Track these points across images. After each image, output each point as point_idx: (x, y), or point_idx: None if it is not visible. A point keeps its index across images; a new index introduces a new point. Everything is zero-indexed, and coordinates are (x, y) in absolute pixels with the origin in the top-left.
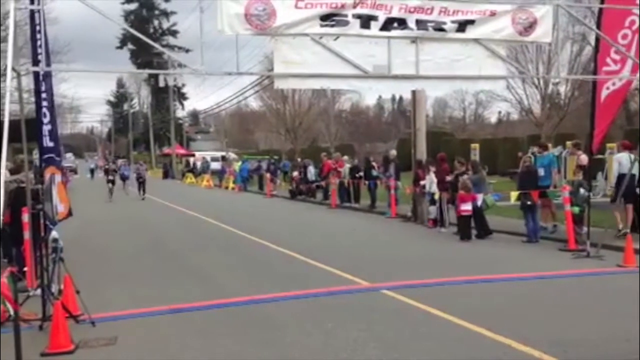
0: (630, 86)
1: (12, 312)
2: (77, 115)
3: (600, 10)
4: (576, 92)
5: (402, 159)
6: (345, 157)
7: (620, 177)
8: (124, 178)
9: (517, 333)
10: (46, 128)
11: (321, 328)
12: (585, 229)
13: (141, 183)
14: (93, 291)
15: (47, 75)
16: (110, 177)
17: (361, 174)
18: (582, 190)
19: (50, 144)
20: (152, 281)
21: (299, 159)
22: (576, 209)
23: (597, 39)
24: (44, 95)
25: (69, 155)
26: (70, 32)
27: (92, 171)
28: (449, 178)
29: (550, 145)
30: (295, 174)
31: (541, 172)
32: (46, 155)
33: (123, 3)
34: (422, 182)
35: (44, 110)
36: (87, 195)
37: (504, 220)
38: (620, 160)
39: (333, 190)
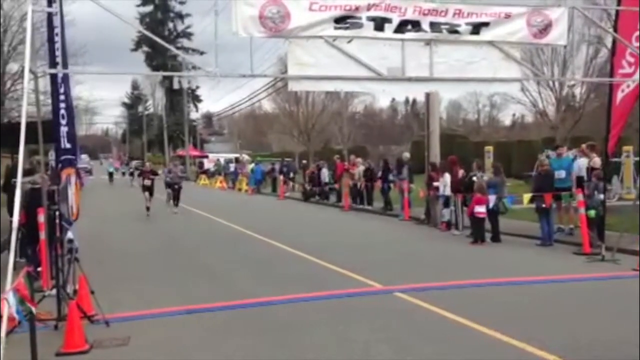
0: None
1: (30, 311)
2: (92, 117)
3: (617, 12)
4: (592, 95)
5: (415, 161)
6: (359, 160)
7: (579, 179)
8: (170, 185)
9: (530, 336)
10: (64, 129)
11: (334, 330)
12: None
13: (176, 191)
14: (107, 291)
15: (66, 77)
16: (147, 183)
17: (374, 173)
18: (596, 193)
19: (68, 146)
20: (165, 282)
21: (304, 161)
22: (592, 213)
23: (614, 42)
24: (62, 97)
25: (84, 156)
26: (85, 34)
27: (110, 175)
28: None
29: (565, 147)
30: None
31: (562, 174)
32: (63, 157)
33: (138, 5)
34: (435, 185)
35: (62, 111)
36: (103, 197)
37: (518, 223)
38: (579, 165)
39: (346, 193)
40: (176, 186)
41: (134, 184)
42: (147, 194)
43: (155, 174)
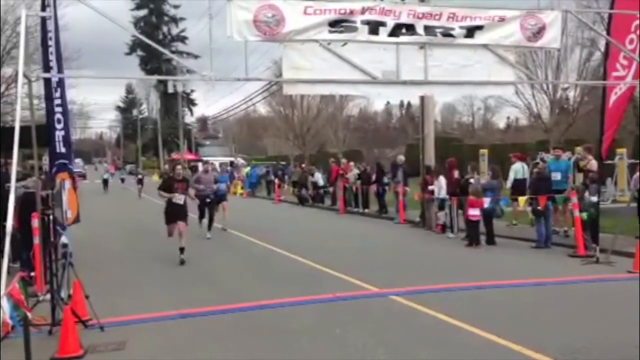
0: (634, 90)
1: (24, 316)
2: (86, 121)
3: (610, 15)
4: (586, 98)
5: (410, 164)
6: (351, 163)
7: (516, 182)
8: (201, 199)
9: (527, 339)
10: (59, 134)
11: (330, 333)
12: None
13: (209, 206)
14: (102, 296)
15: (61, 82)
16: (178, 200)
17: (369, 176)
18: (587, 195)
19: (63, 150)
20: (161, 286)
21: (299, 166)
22: (585, 215)
23: (607, 45)
24: (57, 101)
25: (78, 160)
26: (79, 38)
27: (105, 182)
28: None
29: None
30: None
31: (557, 176)
32: (58, 161)
33: (132, 9)
34: (430, 188)
35: (58, 116)
36: (99, 204)
37: (513, 226)
38: (516, 169)
39: (341, 196)
40: (208, 199)
41: (143, 195)
42: (171, 219)
43: (185, 186)
